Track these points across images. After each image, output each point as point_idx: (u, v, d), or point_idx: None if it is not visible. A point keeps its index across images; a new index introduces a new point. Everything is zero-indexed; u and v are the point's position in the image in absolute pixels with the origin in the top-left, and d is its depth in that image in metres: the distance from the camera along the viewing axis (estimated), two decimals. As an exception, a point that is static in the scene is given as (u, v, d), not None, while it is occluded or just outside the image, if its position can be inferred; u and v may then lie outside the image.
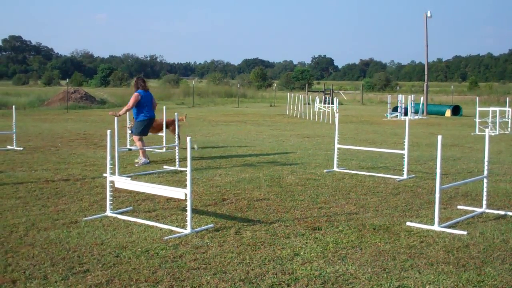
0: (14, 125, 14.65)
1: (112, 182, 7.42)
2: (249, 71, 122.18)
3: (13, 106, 15.96)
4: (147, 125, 11.83)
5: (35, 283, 4.80)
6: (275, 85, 78.72)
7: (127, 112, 12.06)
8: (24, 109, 31.90)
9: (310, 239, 6.22)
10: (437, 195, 6.79)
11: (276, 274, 5.08)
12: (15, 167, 11.15)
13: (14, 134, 14.53)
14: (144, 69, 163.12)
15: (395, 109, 30.71)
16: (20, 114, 25.18)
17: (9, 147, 14.25)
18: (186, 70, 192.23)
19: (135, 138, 11.82)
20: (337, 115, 11.80)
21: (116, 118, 10.49)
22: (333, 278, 5.01)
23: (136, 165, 11.42)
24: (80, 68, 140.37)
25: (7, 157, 12.59)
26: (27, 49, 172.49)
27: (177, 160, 11.25)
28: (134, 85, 11.96)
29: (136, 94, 11.56)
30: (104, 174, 9.95)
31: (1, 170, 10.72)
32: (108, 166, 7.45)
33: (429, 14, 33.33)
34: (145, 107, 11.66)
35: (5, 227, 6.63)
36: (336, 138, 11.33)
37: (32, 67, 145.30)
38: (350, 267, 5.31)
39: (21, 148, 14.02)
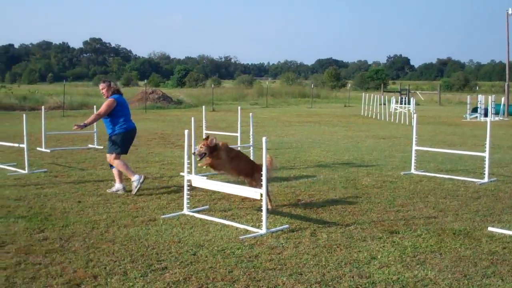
0: (95, 125, 15.07)
1: (189, 181, 7.53)
2: (322, 71, 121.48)
3: (94, 106, 16.53)
4: (128, 138, 9.08)
5: (115, 279, 4.92)
6: (349, 85, 77.94)
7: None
8: (104, 109, 32.86)
9: (387, 243, 6.11)
10: (522, 199, 6.53)
11: (352, 277, 5.02)
12: (96, 165, 11.51)
13: (95, 133, 15.02)
14: (219, 70, 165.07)
15: (474, 109, 29.79)
16: (101, 113, 25.92)
17: (90, 145, 14.76)
18: (259, 71, 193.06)
19: (111, 157, 8.95)
20: (415, 115, 11.55)
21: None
22: (412, 283, 4.90)
23: (108, 191, 8.92)
24: (157, 69, 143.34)
25: (88, 155, 13.03)
26: (106, 51, 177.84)
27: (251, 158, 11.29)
28: (106, 88, 9.11)
29: (110, 99, 8.96)
30: (181, 173, 10.13)
31: (83, 168, 11.09)
32: (186, 165, 7.56)
33: (510, 11, 32.18)
34: (121, 116, 8.99)
35: (87, 223, 6.84)
36: (414, 139, 11.10)
37: (111, 69, 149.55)
38: (429, 272, 5.18)
39: (102, 147, 14.47)
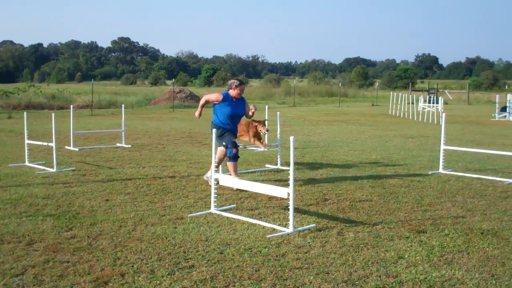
0: (123, 124, 15.26)
1: (216, 179, 7.57)
2: (350, 70, 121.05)
3: (122, 105, 16.65)
4: None
5: (143, 277, 4.96)
6: (377, 84, 77.44)
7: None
8: (132, 108, 33.21)
9: (414, 242, 6.08)
10: (552, 200, 6.44)
11: (379, 276, 5.00)
12: (124, 163, 11.62)
13: (123, 132, 15.15)
14: (246, 69, 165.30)
15: (503, 109, 29.35)
16: (128, 113, 26.14)
17: (118, 144, 14.88)
18: (287, 70, 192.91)
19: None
20: (443, 114, 11.45)
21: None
22: (439, 282, 4.86)
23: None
24: (185, 68, 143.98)
25: (116, 154, 13.14)
26: (135, 50, 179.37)
27: (279, 159, 11.33)
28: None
29: None
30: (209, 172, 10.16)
31: (111, 167, 11.21)
32: (213, 164, 7.60)
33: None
34: None
35: (115, 221, 6.91)
36: (442, 138, 11.00)
37: (139, 68, 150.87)
38: (456, 272, 5.13)
39: (130, 146, 14.60)
